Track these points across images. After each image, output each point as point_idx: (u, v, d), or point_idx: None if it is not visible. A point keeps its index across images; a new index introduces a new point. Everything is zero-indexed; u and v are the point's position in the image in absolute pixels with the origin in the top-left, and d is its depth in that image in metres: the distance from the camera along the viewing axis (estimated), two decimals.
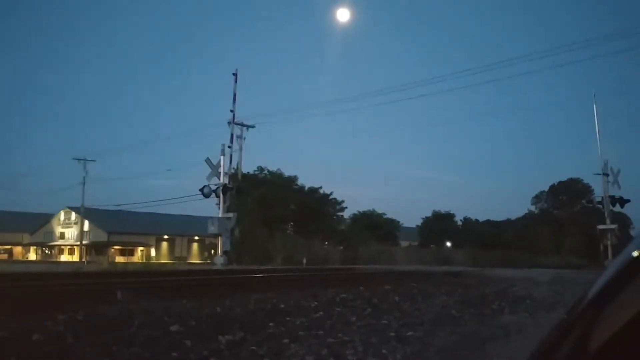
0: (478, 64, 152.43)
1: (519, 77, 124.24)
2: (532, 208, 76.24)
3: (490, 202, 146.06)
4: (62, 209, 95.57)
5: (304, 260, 48.45)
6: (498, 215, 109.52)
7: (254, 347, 7.10)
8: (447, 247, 69.04)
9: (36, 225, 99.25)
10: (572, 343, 0.96)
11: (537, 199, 75.67)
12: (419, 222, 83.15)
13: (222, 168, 41.95)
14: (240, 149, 44.88)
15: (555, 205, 73.81)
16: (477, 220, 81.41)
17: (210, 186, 42.07)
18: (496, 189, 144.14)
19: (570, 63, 71.57)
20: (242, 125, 45.04)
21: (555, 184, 73.98)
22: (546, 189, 75.15)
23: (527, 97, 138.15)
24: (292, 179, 67.48)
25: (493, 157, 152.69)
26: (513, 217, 78.14)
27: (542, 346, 1.07)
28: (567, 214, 69.76)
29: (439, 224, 77.50)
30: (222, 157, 42.25)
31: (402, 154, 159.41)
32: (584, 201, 71.10)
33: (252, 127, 45.62)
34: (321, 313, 9.84)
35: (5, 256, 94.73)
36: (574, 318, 0.99)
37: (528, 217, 74.21)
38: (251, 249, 47.72)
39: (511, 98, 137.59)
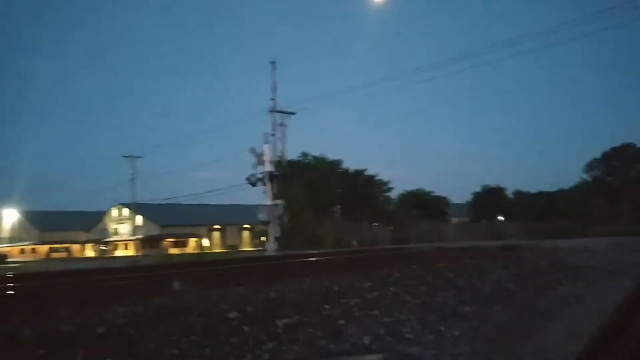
0: (521, 32, 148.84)
1: (566, 43, 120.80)
2: (585, 176, 74.28)
3: (542, 173, 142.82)
4: (115, 206, 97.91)
5: (354, 243, 48.52)
6: (550, 186, 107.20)
7: (311, 330, 7.15)
8: (499, 221, 67.99)
9: (91, 223, 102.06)
10: None
11: (589, 166, 73.62)
12: (469, 198, 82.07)
13: (266, 156, 42.29)
14: (283, 136, 45.10)
15: (608, 172, 71.68)
16: (528, 193, 79.85)
17: (256, 174, 42.48)
18: (548, 159, 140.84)
19: (619, 26, 69.03)
20: (283, 112, 45.19)
21: (608, 150, 71.84)
22: (599, 155, 73.08)
23: (576, 62, 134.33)
24: (337, 163, 67.44)
25: (543, 126, 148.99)
26: (566, 186, 76.36)
27: (609, 322, 1.01)
28: (622, 180, 67.73)
29: (489, 199, 76.29)
30: (265, 146, 42.59)
31: (449, 130, 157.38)
32: (638, 166, 68.94)
33: (293, 113, 45.72)
34: (375, 293, 9.84)
35: (64, 254, 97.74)
36: None
37: (581, 185, 72.32)
38: (300, 234, 48.01)
39: (559, 65, 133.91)
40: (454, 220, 74.45)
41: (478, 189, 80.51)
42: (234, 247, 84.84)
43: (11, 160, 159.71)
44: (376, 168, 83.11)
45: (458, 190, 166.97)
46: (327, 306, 8.59)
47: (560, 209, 64.59)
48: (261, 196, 44.52)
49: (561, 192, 75.16)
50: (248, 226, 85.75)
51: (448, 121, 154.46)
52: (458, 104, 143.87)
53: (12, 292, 11.60)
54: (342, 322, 7.58)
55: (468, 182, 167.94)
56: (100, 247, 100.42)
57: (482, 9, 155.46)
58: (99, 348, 6.33)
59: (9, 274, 20.83)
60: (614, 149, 71.94)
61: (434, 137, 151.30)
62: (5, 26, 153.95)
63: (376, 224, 61.58)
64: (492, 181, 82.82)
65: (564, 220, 54.68)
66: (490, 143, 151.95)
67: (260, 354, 6.25)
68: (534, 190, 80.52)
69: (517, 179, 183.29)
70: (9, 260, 78.36)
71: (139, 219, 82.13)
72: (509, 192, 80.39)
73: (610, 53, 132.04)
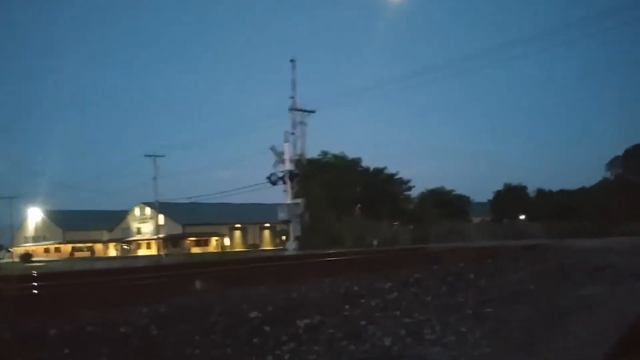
0: (541, 29, 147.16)
1: (586, 40, 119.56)
2: (607, 174, 73.30)
3: (564, 172, 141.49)
4: (137, 205, 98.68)
5: (375, 242, 48.39)
6: (572, 184, 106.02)
7: (331, 330, 7.17)
8: (520, 220, 67.36)
9: (114, 222, 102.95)
10: None
11: (611, 164, 72.64)
12: (491, 196, 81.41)
13: (286, 155, 42.37)
14: (303, 135, 45.14)
15: (630, 170, 70.64)
16: (550, 191, 79.00)
17: (277, 173, 42.57)
18: (570, 158, 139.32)
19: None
20: (303, 111, 45.17)
21: (630, 147, 70.77)
22: (621, 153, 71.98)
23: (598, 59, 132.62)
24: (356, 161, 67.33)
25: (565, 124, 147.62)
26: (588, 185, 75.41)
27: (636, 322, 1.03)
28: None
29: (511, 197, 75.57)
30: (286, 144, 42.69)
31: (470, 128, 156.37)
32: None
33: (313, 112, 45.71)
34: (396, 294, 9.83)
35: (87, 254, 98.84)
36: None
37: (603, 184, 71.39)
38: (321, 233, 47.99)
39: (582, 62, 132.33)
40: (475, 219, 73.90)
41: (500, 188, 79.84)
42: (255, 246, 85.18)
43: (35, 160, 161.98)
44: (396, 166, 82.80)
45: (480, 188, 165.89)
46: (347, 306, 8.61)
47: (582, 207, 63.81)
48: (282, 195, 44.66)
49: (583, 190, 74.29)
50: (269, 225, 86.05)
51: (469, 119, 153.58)
52: (479, 102, 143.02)
53: (38, 292, 11.79)
54: (362, 322, 7.59)
55: (490, 180, 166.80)
56: (123, 247, 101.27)
57: (504, 5, 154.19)
58: (122, 348, 6.41)
59: (34, 273, 21.15)
60: (636, 146, 70.90)
61: (456, 135, 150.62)
62: (31, 26, 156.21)
63: (396, 223, 61.37)
64: (514, 179, 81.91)
65: (586, 219, 54.01)
66: (512, 141, 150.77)
67: (280, 354, 6.29)
68: (556, 189, 79.69)
69: (539, 177, 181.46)
70: (34, 259, 79.51)
71: (162, 218, 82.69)
72: (531, 191, 79.61)
73: (632, 49, 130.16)
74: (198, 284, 11.87)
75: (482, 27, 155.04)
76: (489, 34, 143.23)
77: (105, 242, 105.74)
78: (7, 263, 66.93)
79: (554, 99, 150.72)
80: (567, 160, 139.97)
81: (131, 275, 16.68)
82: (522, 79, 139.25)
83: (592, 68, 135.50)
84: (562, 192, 77.10)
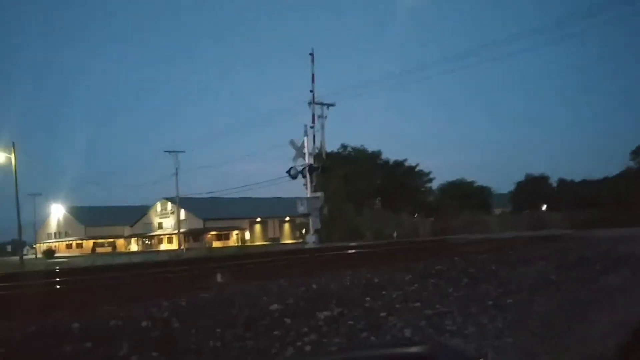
0: (559, 18, 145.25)
1: (604, 27, 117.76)
2: (631, 164, 72.20)
3: (586, 161, 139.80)
4: (159, 200, 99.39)
5: (394, 234, 48.25)
6: (595, 174, 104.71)
7: (351, 322, 7.17)
8: (542, 211, 66.68)
9: (135, 217, 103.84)
10: None
11: (635, 153, 71.53)
12: (512, 187, 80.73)
13: (306, 148, 42.25)
14: (322, 128, 44.89)
15: None
16: (572, 181, 78.11)
17: (297, 167, 42.50)
18: (593, 147, 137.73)
19: None
20: (322, 104, 44.96)
21: None
22: None
23: (620, 47, 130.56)
24: (376, 154, 67.13)
25: (587, 113, 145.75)
26: (611, 174, 74.41)
27: None
28: None
29: (533, 188, 74.84)
30: (305, 138, 42.53)
31: (491, 119, 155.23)
32: None
33: (332, 105, 45.43)
34: (416, 285, 9.79)
35: (109, 249, 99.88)
36: None
37: (627, 173, 70.37)
38: (340, 226, 47.94)
39: (601, 50, 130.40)
40: (497, 210, 73.33)
41: (521, 178, 79.10)
42: (275, 240, 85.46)
43: (57, 156, 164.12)
44: (417, 158, 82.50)
45: (501, 180, 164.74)
46: (367, 298, 8.59)
47: (605, 197, 62.99)
48: (301, 188, 44.68)
49: (606, 180, 73.31)
50: (289, 219, 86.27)
51: (490, 110, 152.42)
52: (500, 92, 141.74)
53: (60, 287, 11.94)
54: (383, 314, 7.57)
55: (511, 171, 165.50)
56: (145, 242, 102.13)
57: None
58: (143, 341, 6.46)
59: (57, 268, 21.42)
60: None
61: (476, 126, 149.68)
62: (50, 22, 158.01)
63: (416, 215, 61.14)
64: (536, 170, 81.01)
65: (609, 209, 53.33)
66: (535, 131, 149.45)
67: (301, 346, 6.30)
68: (578, 179, 78.75)
69: (561, 167, 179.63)
70: (57, 255, 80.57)
71: (183, 213, 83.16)
72: (553, 181, 78.76)
73: None
74: (219, 278, 11.93)
75: (501, 15, 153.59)
76: (506, 24, 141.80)
77: (127, 238, 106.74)
78: (30, 259, 67.92)
79: (577, 88, 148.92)
80: (590, 149, 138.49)
81: (152, 269, 16.82)
82: (543, 69, 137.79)
83: (614, 56, 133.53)
84: (585, 182, 76.18)
